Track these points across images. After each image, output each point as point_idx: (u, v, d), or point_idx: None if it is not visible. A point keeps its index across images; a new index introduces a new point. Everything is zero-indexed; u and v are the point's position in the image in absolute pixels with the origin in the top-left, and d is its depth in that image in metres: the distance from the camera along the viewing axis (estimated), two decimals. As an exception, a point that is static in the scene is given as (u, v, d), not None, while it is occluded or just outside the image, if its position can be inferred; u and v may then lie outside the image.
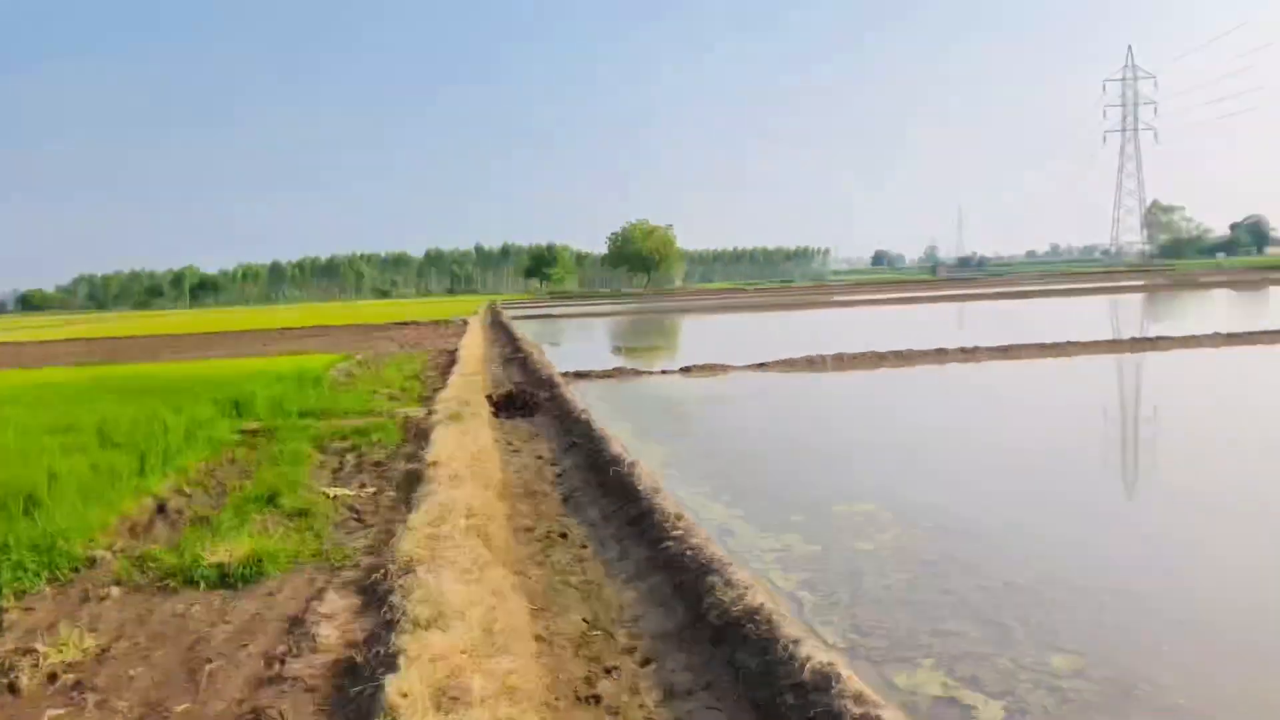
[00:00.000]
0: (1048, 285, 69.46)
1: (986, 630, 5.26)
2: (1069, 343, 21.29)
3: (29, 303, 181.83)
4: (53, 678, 4.77)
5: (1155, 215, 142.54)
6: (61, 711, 4.36)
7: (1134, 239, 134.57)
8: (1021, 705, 4.39)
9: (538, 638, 5.17)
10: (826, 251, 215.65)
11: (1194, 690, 4.55)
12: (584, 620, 5.60)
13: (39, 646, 5.01)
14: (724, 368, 19.68)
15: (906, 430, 12.38)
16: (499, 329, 38.50)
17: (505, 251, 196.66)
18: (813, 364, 19.72)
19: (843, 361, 19.89)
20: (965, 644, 5.09)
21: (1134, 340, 22.89)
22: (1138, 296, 49.43)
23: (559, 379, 17.21)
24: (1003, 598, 5.76)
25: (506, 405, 14.73)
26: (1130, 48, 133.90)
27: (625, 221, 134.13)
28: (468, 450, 9.68)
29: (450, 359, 22.29)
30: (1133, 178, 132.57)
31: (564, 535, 7.52)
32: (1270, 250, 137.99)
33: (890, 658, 4.97)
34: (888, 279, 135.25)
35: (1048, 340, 21.49)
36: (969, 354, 20.44)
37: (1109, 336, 24.17)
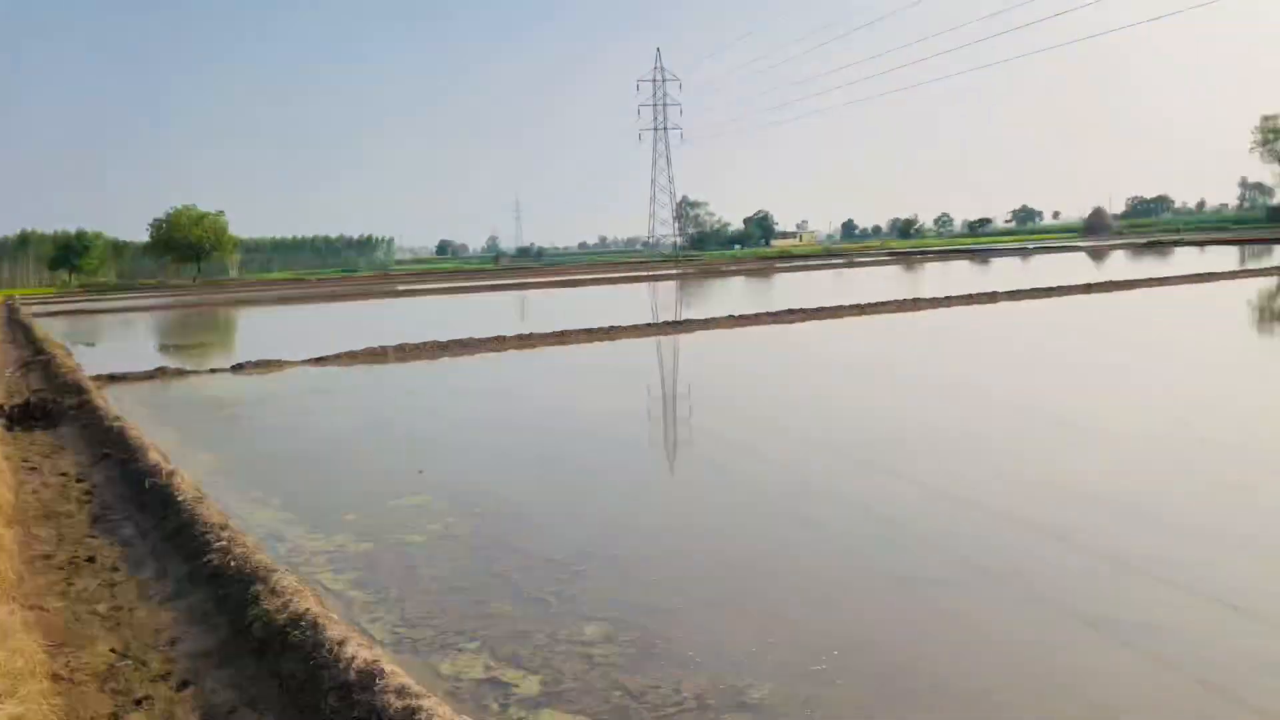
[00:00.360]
0: (597, 274, 74.76)
1: (527, 608, 5.65)
2: (614, 327, 23.19)
3: None
4: None
5: (685, 210, 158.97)
6: None
7: (668, 232, 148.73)
8: (557, 675, 4.79)
9: (55, 676, 4.64)
10: (390, 241, 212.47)
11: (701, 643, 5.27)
12: (112, 650, 5.12)
13: None
14: (280, 363, 18.76)
15: (462, 421, 12.77)
16: (16, 328, 33.13)
17: (24, 239, 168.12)
18: (375, 355, 19.50)
19: (405, 352, 19.91)
20: (508, 624, 5.42)
21: (667, 324, 25.50)
22: (672, 283, 55.01)
23: (88, 384, 15.30)
24: (543, 574, 6.21)
25: (22, 416, 12.82)
26: (659, 50, 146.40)
27: (170, 207, 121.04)
28: (-40, 474, 8.31)
29: (-62, 366, 18.80)
30: (664, 174, 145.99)
31: (91, 559, 6.79)
32: (775, 242, 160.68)
33: (436, 646, 5.16)
34: (451, 268, 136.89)
35: (595, 325, 23.22)
36: (525, 340, 21.47)
37: (647, 320, 26.67)
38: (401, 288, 65.40)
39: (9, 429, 12.18)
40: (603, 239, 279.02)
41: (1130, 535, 6.65)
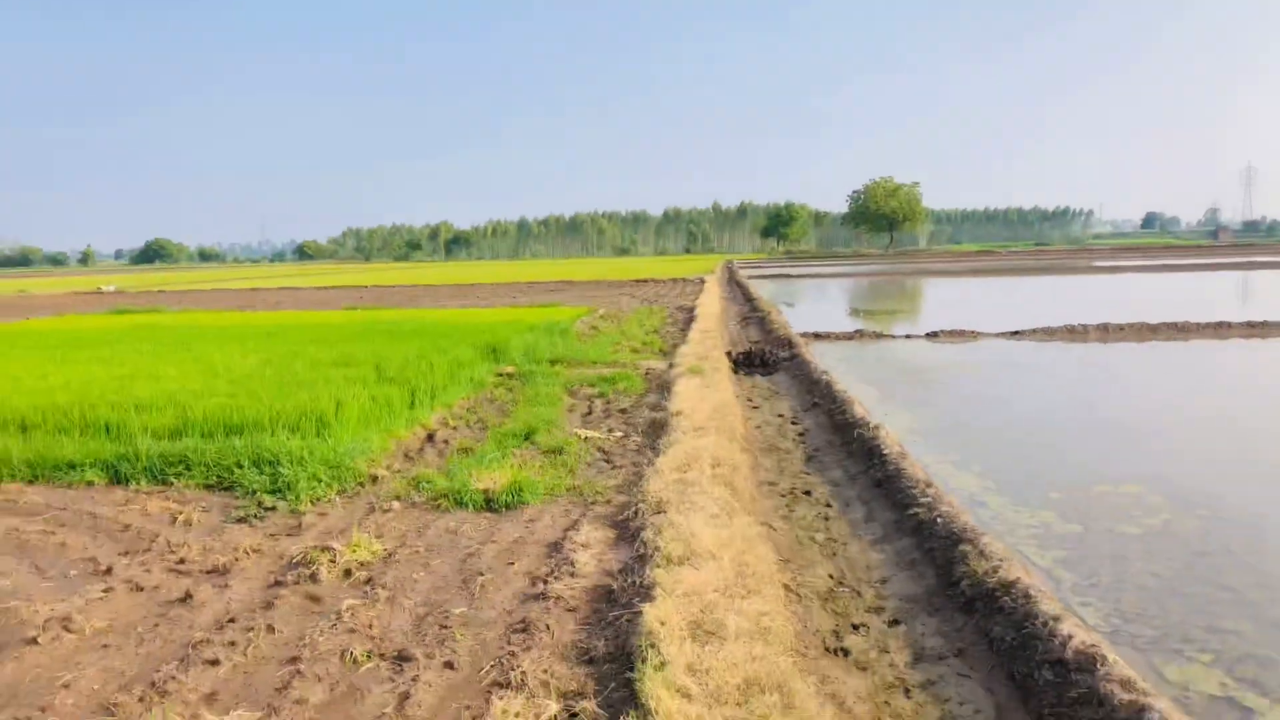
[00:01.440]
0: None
1: (1271, 633, 4.80)
2: (1382, 323, 18.74)
3: (304, 253, 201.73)
4: (348, 573, 5.36)
5: None
6: (357, 601, 4.90)
7: None
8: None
9: (785, 587, 5.23)
10: (1089, 213, 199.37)
11: None
12: (830, 576, 5.60)
13: (335, 545, 5.64)
14: (973, 334, 18.82)
15: (1178, 410, 11.38)
16: (735, 288, 38.65)
17: (742, 210, 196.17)
18: (1073, 333, 18.47)
19: (1107, 332, 18.50)
20: (1245, 645, 4.67)
21: None
22: None
23: (798, 339, 17.11)
24: (1276, 595, 5.23)
25: (746, 362, 14.84)
26: None
27: (867, 179, 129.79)
28: (709, 403, 9.85)
29: (689, 316, 22.66)
30: None
31: (808, 493, 7.52)
32: None
33: (1159, 648, 4.65)
34: (1158, 243, 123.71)
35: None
36: (1256, 328, 18.43)
37: None
38: (1099, 263, 61.05)
39: (735, 372, 14.15)
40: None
41: None
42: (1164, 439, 9.66)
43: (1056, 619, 4.38)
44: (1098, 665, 3.94)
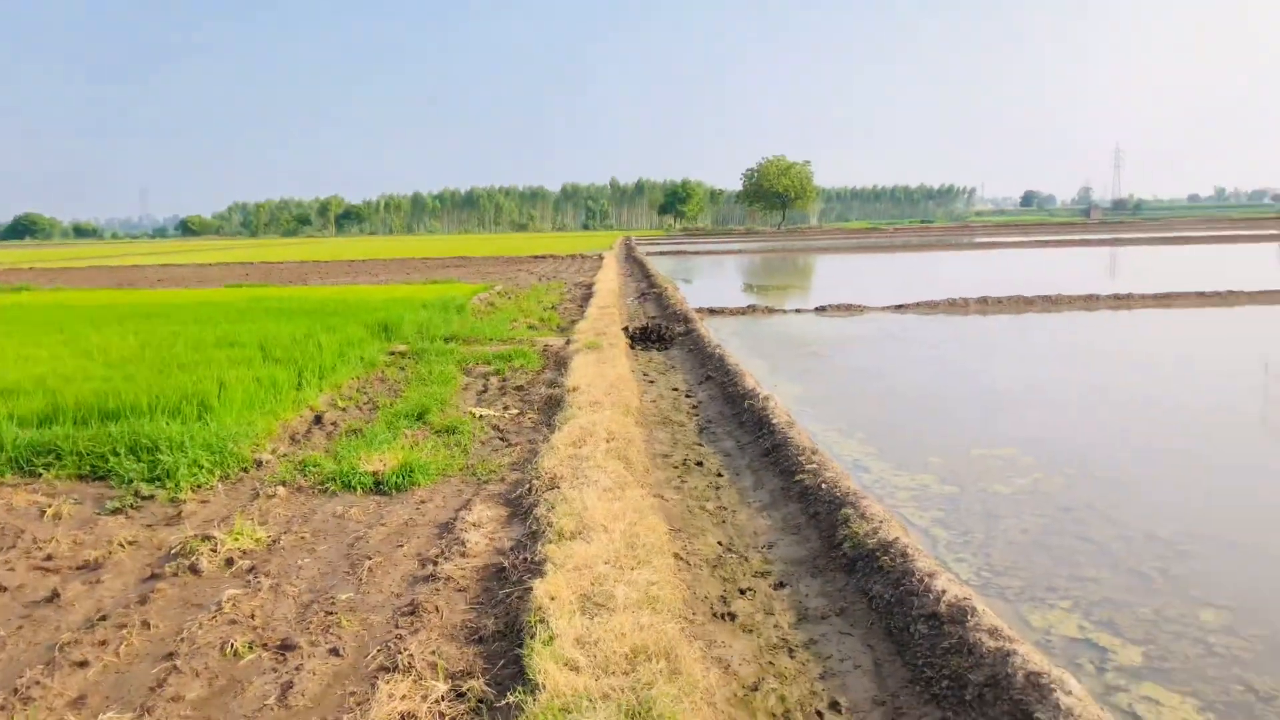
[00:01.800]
0: (1211, 230, 64.97)
1: (1127, 579, 5.13)
2: (1232, 292, 19.99)
3: (188, 228, 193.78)
4: (229, 562, 5.22)
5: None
6: (239, 592, 4.78)
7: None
8: (1163, 653, 4.29)
9: (675, 556, 5.32)
10: (971, 191, 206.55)
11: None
12: (719, 543, 5.72)
13: (216, 534, 5.48)
14: (860, 308, 19.34)
15: (1051, 377, 11.95)
16: (633, 264, 38.78)
17: (640, 187, 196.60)
18: (954, 306, 19.16)
19: (986, 305, 19.26)
20: (1103, 591, 4.98)
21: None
22: (1316, 246, 45.71)
23: (693, 314, 17.30)
24: (1142, 548, 5.58)
25: (642, 338, 14.94)
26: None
27: (761, 158, 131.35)
28: (606, 378, 9.90)
29: (587, 292, 22.67)
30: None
31: (700, 464, 7.65)
32: None
33: (1025, 597, 4.92)
34: (1035, 220, 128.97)
35: (1208, 289, 20.24)
36: (1121, 300, 19.46)
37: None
38: (981, 239, 63.37)
39: (632, 347, 14.24)
40: (1219, 190, 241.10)
41: None
42: (1037, 404, 10.14)
43: (931, 575, 4.58)
44: (968, 617, 4.13)
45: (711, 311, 19.53)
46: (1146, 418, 9.40)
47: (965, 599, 4.29)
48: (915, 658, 4.12)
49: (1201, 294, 19.94)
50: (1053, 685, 3.57)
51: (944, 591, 4.38)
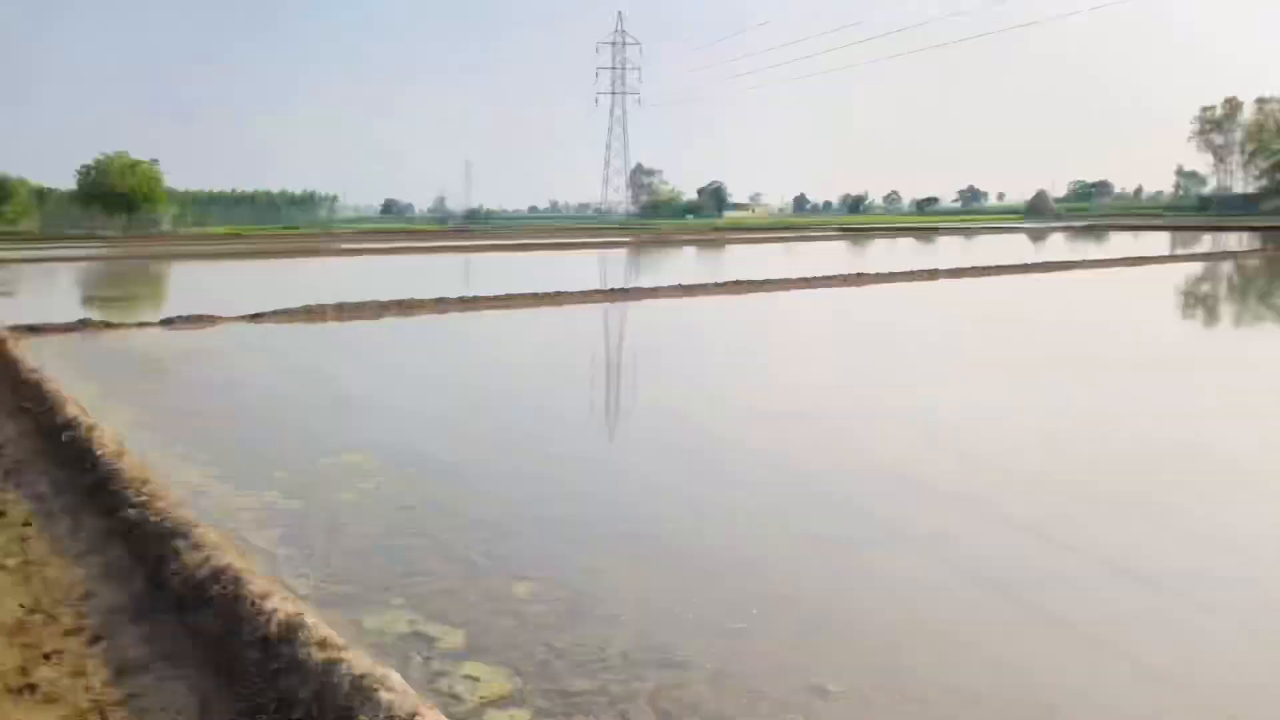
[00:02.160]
0: (547, 239, 74.18)
1: (456, 566, 5.60)
2: (560, 293, 23.03)
3: None
4: None
5: (639, 177, 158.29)
6: None
7: (620, 199, 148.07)
8: (483, 630, 4.77)
9: (-47, 633, 4.47)
10: (334, 198, 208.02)
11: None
12: (21, 605, 4.95)
13: None
14: (213, 319, 18.28)
15: (401, 382, 12.58)
16: None
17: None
18: (311, 314, 19.10)
19: (344, 311, 19.54)
20: (436, 582, 5.37)
21: (615, 291, 25.37)
22: (623, 252, 54.78)
23: (4, 334, 14.77)
24: (473, 534, 6.16)
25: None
26: (620, 13, 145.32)
27: (101, 154, 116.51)
28: None
29: None
30: (620, 139, 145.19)
31: (2, 514, 6.55)
32: (728, 214, 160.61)
33: (361, 602, 5.09)
34: (398, 228, 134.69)
35: (542, 290, 23.04)
36: (469, 303, 21.21)
37: (595, 287, 26.51)
38: (345, 246, 64.19)
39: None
40: (554, 203, 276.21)
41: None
42: (387, 408, 10.58)
43: (265, 597, 4.49)
44: (299, 633, 4.14)
45: (32, 329, 16.86)
46: (490, 409, 10.40)
47: (298, 615, 4.29)
48: (247, 688, 4.01)
49: (536, 295, 22.58)
50: (376, 685, 3.73)
51: (275, 611, 4.32)
